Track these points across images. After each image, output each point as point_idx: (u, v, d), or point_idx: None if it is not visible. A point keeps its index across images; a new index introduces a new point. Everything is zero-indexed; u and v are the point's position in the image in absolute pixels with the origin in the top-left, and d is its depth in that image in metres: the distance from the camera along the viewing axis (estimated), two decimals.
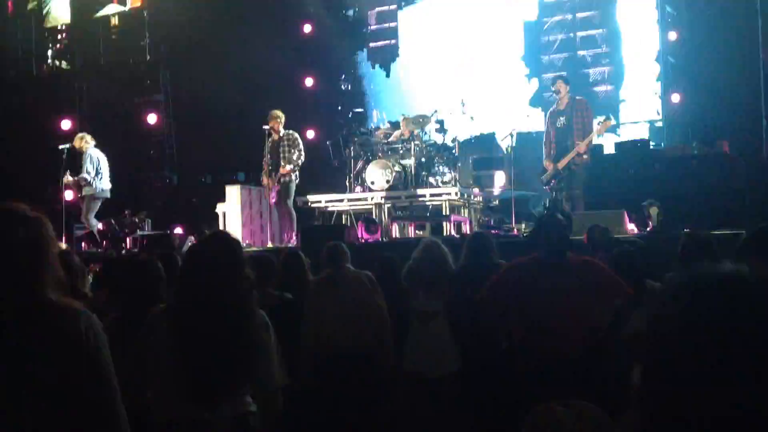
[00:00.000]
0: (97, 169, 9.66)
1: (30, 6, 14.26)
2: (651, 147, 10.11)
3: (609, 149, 9.47)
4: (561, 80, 8.60)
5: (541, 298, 3.59)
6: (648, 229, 7.05)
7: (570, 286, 3.58)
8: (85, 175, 9.54)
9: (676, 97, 11.16)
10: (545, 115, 8.96)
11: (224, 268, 2.63)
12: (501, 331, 3.98)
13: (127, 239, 9.87)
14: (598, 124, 8.28)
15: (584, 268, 3.71)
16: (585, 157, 8.28)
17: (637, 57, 13.03)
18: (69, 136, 10.05)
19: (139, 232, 10.02)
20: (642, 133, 12.49)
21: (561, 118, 8.48)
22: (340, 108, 15.04)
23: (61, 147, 9.86)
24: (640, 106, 13.10)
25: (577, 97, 8.75)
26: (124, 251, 9.38)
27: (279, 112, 9.57)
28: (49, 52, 14.53)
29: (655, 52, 12.19)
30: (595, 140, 8.63)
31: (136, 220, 10.38)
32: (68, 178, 9.60)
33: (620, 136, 12.11)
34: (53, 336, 1.83)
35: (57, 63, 14.59)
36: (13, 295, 1.83)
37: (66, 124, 12.72)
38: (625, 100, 13.17)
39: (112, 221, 9.99)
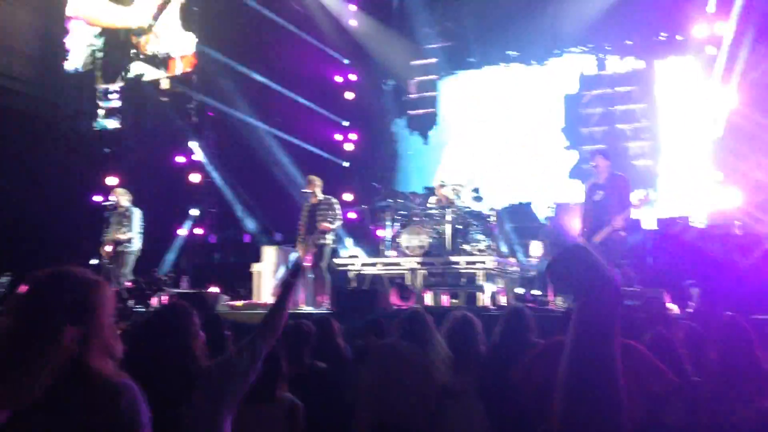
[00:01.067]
0: (140, 228, 9.84)
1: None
2: (691, 223, 9.99)
3: (649, 224, 9.37)
4: (601, 155, 8.58)
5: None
6: (688, 309, 6.86)
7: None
8: (131, 234, 9.70)
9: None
10: (585, 188, 8.91)
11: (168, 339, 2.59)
12: (537, 415, 3.86)
13: (161, 297, 9.94)
14: (638, 200, 8.19)
15: (624, 351, 3.60)
16: (622, 233, 8.17)
17: (675, 132, 12.99)
18: (112, 192, 10.25)
19: (173, 290, 10.09)
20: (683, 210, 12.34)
21: (600, 192, 8.42)
22: (377, 173, 15.22)
23: (104, 203, 10.09)
24: (678, 181, 12.98)
25: (617, 173, 8.71)
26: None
27: (317, 178, 9.72)
28: (100, 111, 15.04)
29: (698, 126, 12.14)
30: (633, 215, 8.53)
31: (163, 278, 10.45)
32: (114, 234, 9.71)
33: (656, 210, 11.99)
34: (94, 410, 1.80)
35: (106, 121, 15.07)
36: (56, 363, 1.79)
37: (111, 181, 13.06)
38: (660, 175, 13.08)
39: (140, 279, 10.06)
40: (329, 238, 9.60)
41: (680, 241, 8.41)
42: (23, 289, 1.87)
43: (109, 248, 9.75)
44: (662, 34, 13.16)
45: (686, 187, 12.55)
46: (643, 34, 13.19)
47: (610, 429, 3.16)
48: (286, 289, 3.07)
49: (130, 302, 8.89)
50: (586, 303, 2.61)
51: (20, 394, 1.77)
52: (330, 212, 9.54)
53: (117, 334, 1.97)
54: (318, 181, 9.67)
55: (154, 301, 9.65)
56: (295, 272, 3.17)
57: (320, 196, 9.63)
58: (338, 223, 9.69)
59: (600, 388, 2.84)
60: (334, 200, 9.72)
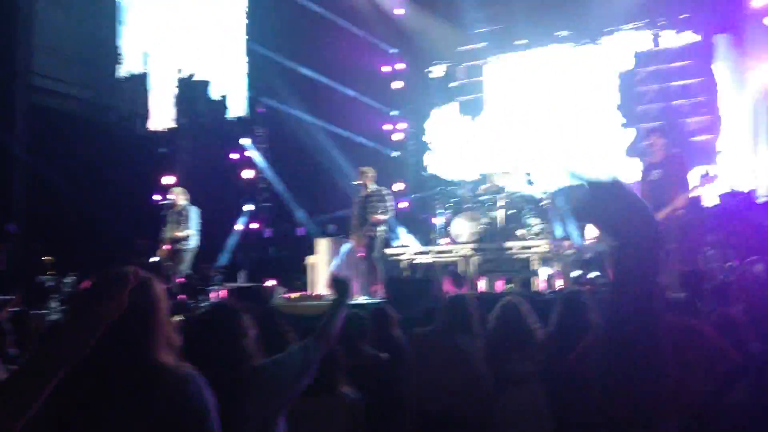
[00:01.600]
0: (198, 225, 10.03)
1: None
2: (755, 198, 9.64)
3: (711, 200, 9.08)
4: (656, 133, 8.34)
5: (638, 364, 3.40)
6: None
7: (670, 351, 3.37)
8: (188, 231, 9.90)
9: None
10: (642, 168, 8.67)
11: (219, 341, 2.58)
12: (601, 400, 3.78)
13: (219, 291, 10.14)
14: (702, 176, 7.91)
15: (686, 331, 3.50)
16: (681, 212, 7.93)
17: (735, 105, 12.53)
18: (170, 191, 10.47)
19: (231, 284, 10.27)
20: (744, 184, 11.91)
21: (655, 172, 8.19)
22: (426, 162, 15.17)
23: (162, 202, 10.33)
24: (739, 156, 12.52)
25: (674, 150, 8.45)
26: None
27: (370, 169, 9.73)
28: (152, 111, 15.39)
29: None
30: (696, 193, 8.27)
31: (211, 273, 10.60)
32: (173, 233, 9.92)
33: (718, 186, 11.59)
34: (163, 400, 1.85)
35: (160, 121, 15.41)
36: (125, 359, 1.87)
37: (168, 180, 13.36)
38: (721, 151, 12.62)
39: (192, 275, 10.23)
40: (381, 229, 9.61)
41: (743, 216, 8.10)
42: (84, 286, 1.93)
43: (167, 246, 9.97)
44: (719, 5, 12.69)
45: (748, 161, 12.10)
46: (698, 6, 12.75)
47: (653, 376, 3.08)
48: (337, 305, 3.09)
49: (182, 297, 9.10)
50: (624, 245, 2.46)
51: (96, 390, 1.84)
52: (382, 203, 9.54)
53: (175, 328, 2.02)
54: (370, 172, 9.68)
55: (212, 296, 9.86)
56: (344, 292, 3.20)
57: (372, 187, 9.64)
58: (390, 214, 9.69)
59: (642, 336, 2.72)
60: (386, 191, 9.72)
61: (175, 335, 2.00)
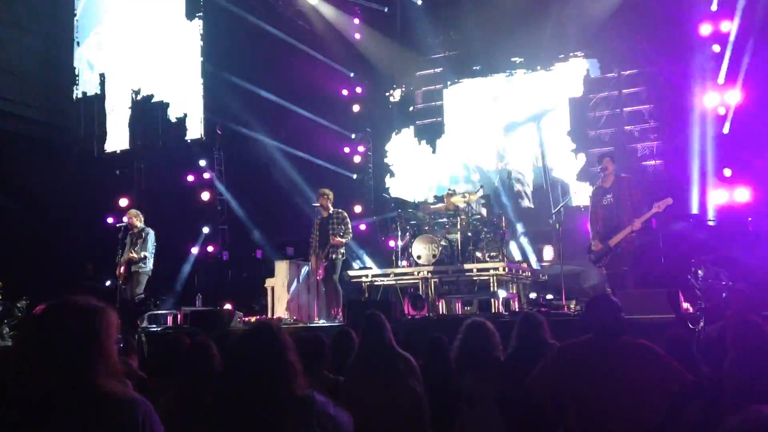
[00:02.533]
0: (153, 248, 9.90)
1: None
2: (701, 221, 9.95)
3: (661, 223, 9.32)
4: (608, 158, 8.59)
5: (593, 385, 3.49)
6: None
7: (624, 371, 3.46)
8: (145, 253, 9.75)
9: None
10: (592, 193, 8.89)
11: (268, 364, 2.44)
12: (554, 418, 3.85)
13: (178, 314, 10.00)
14: (664, 206, 8.11)
15: (639, 351, 3.60)
16: (634, 235, 8.16)
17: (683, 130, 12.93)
18: (125, 214, 10.32)
19: (188, 308, 10.14)
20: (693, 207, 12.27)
21: (608, 196, 8.42)
22: (386, 185, 15.28)
23: (118, 225, 10.18)
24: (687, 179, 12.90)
25: (623, 175, 8.71)
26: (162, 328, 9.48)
27: (327, 191, 9.77)
28: (109, 133, 15.19)
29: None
30: (646, 217, 8.50)
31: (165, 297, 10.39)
32: (129, 255, 9.76)
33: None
34: (109, 428, 1.84)
35: (116, 143, 15.21)
36: (65, 386, 1.85)
37: (123, 202, 13.17)
38: (668, 174, 12.98)
39: (146, 296, 10.03)
40: (341, 251, 9.63)
41: (691, 239, 8.36)
42: (34, 315, 1.95)
43: (123, 269, 9.81)
44: (667, 34, 13.14)
45: (695, 184, 12.49)
46: (648, 34, 13.18)
47: (608, 395, 3.20)
48: None
49: (135, 319, 8.97)
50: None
51: (33, 415, 1.82)
52: (341, 226, 9.57)
53: (120, 357, 2.02)
54: (329, 195, 9.72)
55: (168, 319, 9.73)
56: None
57: (331, 209, 9.67)
58: (349, 236, 9.73)
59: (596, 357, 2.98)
60: (344, 213, 9.76)
61: (118, 361, 1.99)
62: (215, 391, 2.53)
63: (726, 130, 11.06)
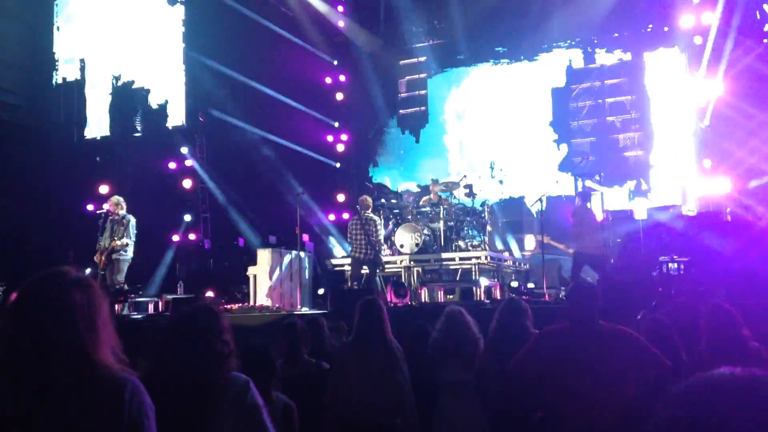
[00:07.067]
0: (134, 236, 9.81)
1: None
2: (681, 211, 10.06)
3: (641, 214, 9.43)
4: (579, 197, 9.06)
5: (572, 369, 3.52)
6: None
7: (603, 357, 3.50)
8: (127, 240, 9.65)
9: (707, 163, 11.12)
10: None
11: (198, 343, 2.47)
12: (533, 402, 3.89)
13: (159, 302, 9.95)
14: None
15: (618, 338, 3.64)
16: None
17: (667, 122, 13.06)
18: (105, 200, 10.21)
19: (169, 296, 10.10)
20: (674, 198, 12.41)
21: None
22: (369, 173, 15.25)
23: (98, 211, 10.06)
24: (670, 171, 13.04)
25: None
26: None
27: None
28: (90, 119, 15.02)
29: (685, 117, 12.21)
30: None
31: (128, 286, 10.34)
32: (112, 241, 9.65)
33: (651, 201, 12.05)
34: (99, 401, 1.83)
35: (97, 130, 15.05)
36: (69, 358, 1.83)
37: (104, 189, 13.03)
38: (653, 166, 13.12)
39: (126, 283, 9.95)
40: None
41: (670, 229, 8.46)
42: (14, 296, 1.90)
43: (102, 256, 9.72)
44: (649, 25, 13.22)
45: (676, 175, 12.63)
46: (631, 26, 13.25)
47: (589, 381, 3.26)
48: None
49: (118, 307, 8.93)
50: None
51: (29, 393, 1.80)
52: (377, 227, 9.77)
53: (116, 332, 2.00)
54: (369, 201, 9.87)
55: (150, 307, 9.68)
56: None
57: (367, 213, 9.78)
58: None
59: (578, 344, 3.06)
60: (375, 218, 9.96)
61: (115, 336, 1.96)
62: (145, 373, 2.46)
63: (706, 122, 11.17)
